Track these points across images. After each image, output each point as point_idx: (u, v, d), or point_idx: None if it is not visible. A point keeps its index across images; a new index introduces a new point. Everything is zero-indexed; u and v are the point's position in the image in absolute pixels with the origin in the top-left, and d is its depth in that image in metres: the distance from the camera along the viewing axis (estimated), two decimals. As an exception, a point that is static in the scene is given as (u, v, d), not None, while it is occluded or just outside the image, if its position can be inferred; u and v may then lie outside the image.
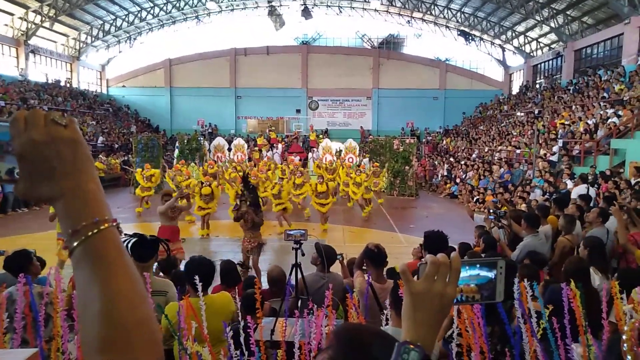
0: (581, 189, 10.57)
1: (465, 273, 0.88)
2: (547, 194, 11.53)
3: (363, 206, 14.04)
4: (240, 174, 14.15)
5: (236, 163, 18.13)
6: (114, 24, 30.56)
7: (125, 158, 23.02)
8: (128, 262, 0.73)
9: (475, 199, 14.94)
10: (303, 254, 4.06)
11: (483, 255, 5.17)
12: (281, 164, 19.75)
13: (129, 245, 3.33)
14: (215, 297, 3.32)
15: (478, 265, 0.90)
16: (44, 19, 25.54)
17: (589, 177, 11.72)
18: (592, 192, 10.43)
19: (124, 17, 30.25)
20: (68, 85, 29.58)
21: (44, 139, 0.72)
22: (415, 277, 0.88)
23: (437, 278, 0.84)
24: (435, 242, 3.79)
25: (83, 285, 0.70)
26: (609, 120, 14.67)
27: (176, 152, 21.59)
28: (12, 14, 24.71)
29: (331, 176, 14.73)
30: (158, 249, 3.60)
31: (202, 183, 12.09)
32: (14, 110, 21.50)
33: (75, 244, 0.71)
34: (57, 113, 0.76)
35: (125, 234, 3.43)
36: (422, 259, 0.89)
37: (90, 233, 0.71)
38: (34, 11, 25.06)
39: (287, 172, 14.38)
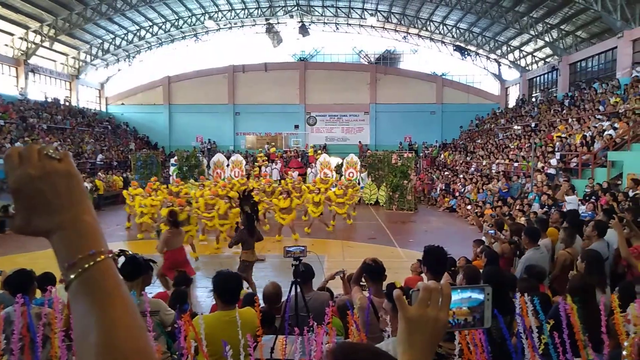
0: (573, 199, 10.62)
1: (457, 296, 0.91)
2: (546, 206, 11.54)
3: (326, 222, 14.05)
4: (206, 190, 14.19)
5: (211, 182, 18.02)
6: (113, 42, 30.86)
7: (124, 175, 23.03)
8: (125, 293, 0.73)
9: (474, 212, 14.95)
10: (302, 270, 4.04)
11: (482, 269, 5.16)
12: (279, 179, 19.79)
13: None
14: (243, 312, 3.31)
15: (469, 289, 0.93)
16: (43, 38, 25.79)
17: (587, 189, 11.77)
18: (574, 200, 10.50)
19: (123, 36, 30.56)
20: (67, 103, 29.74)
21: (38, 174, 0.73)
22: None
23: (430, 304, 0.88)
24: (434, 257, 3.77)
25: (81, 316, 0.70)
26: (605, 132, 14.77)
27: (172, 168, 21.59)
28: (12, 34, 24.96)
29: (297, 194, 14.58)
30: (146, 269, 3.57)
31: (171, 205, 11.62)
32: (13, 129, 21.57)
33: (72, 276, 0.71)
34: (51, 147, 0.77)
35: (120, 250, 3.42)
36: (415, 286, 0.91)
37: (86, 265, 0.71)
38: (34, 31, 25.32)
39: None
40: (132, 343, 0.69)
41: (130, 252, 3.57)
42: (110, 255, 0.74)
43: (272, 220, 14.10)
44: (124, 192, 15.20)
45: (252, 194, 8.37)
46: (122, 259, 3.54)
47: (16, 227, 0.75)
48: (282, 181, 18.07)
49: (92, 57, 31.43)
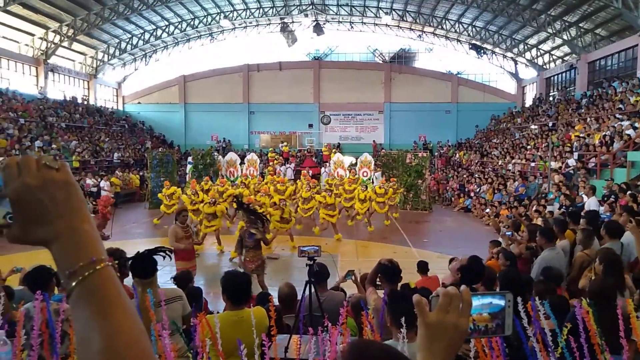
0: (593, 201, 10.42)
1: (477, 302, 0.90)
2: (564, 207, 11.36)
3: (369, 220, 14.06)
4: (240, 190, 14.28)
5: (242, 179, 18.18)
6: (131, 42, 31.24)
7: (141, 174, 23.30)
8: (126, 299, 0.74)
9: (493, 214, 14.77)
10: (316, 270, 4.04)
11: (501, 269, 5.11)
12: (293, 178, 19.82)
13: (129, 263, 3.32)
14: (253, 312, 3.32)
15: (490, 295, 0.92)
16: (62, 38, 26.22)
17: (605, 190, 11.55)
18: (594, 202, 10.30)
19: (140, 35, 30.92)
20: (85, 102, 30.20)
21: (37, 183, 0.73)
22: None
23: (450, 309, 0.87)
24: (475, 271, 3.80)
25: (83, 323, 0.71)
26: (625, 132, 14.47)
27: (189, 167, 21.77)
28: (32, 35, 25.43)
29: (338, 191, 14.63)
30: (157, 263, 3.55)
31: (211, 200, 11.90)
32: (33, 128, 21.98)
33: (73, 284, 0.72)
34: (49, 157, 0.78)
35: (121, 257, 3.41)
36: (434, 292, 0.91)
37: (87, 273, 0.72)
38: (53, 31, 25.75)
39: (301, 187, 14.40)
40: (134, 348, 0.70)
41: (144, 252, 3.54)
42: (110, 264, 0.75)
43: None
44: (160, 195, 15.36)
45: (241, 200, 8.24)
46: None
47: (13, 237, 0.75)
48: (327, 180, 17.88)
49: (110, 57, 31.85)
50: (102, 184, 18.86)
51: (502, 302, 0.91)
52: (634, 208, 7.97)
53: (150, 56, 34.32)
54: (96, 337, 0.69)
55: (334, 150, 26.37)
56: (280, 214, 11.58)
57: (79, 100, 29.54)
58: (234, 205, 9.69)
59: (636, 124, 14.52)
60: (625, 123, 15.21)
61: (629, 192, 9.85)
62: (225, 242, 11.59)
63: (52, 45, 26.32)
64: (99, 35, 29.15)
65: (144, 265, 3.39)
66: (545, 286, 3.79)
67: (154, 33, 31.08)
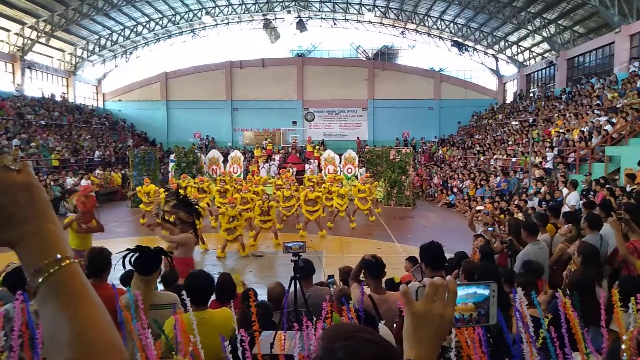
0: (574, 196, 10.62)
1: (462, 292, 0.92)
2: (544, 202, 11.57)
3: (350, 217, 14.12)
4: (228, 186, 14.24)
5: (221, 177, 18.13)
6: (110, 38, 30.71)
7: (123, 172, 22.97)
8: (93, 294, 0.75)
9: (473, 208, 14.95)
10: (302, 266, 4.05)
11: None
12: (277, 175, 19.78)
13: (131, 258, 3.28)
14: (215, 313, 3.29)
15: (474, 285, 0.94)
16: (40, 34, 25.64)
17: (584, 185, 11.78)
18: (575, 197, 10.50)
19: (119, 31, 30.42)
20: (64, 99, 29.59)
21: None
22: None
23: (436, 299, 0.89)
24: (432, 253, 3.82)
25: (50, 318, 0.71)
26: (603, 127, 14.78)
27: (171, 165, 21.55)
28: (8, 30, 24.81)
29: (320, 189, 14.63)
30: (161, 261, 3.53)
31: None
32: (10, 126, 21.48)
33: (39, 280, 0.72)
34: (9, 158, 0.76)
35: (128, 248, 3.39)
36: (421, 282, 0.93)
37: (52, 270, 0.72)
38: (30, 27, 25.16)
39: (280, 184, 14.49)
40: (103, 338, 0.71)
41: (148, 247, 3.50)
42: (75, 260, 0.75)
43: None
44: (138, 190, 15.39)
45: (187, 198, 7.86)
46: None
47: None
48: (306, 176, 17.85)
49: (89, 53, 31.28)
50: (83, 182, 18.54)
51: (486, 292, 0.93)
52: (612, 202, 8.16)
53: (130, 53, 33.81)
54: (65, 329, 0.69)
55: (317, 147, 26.35)
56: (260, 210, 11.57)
57: (58, 98, 28.94)
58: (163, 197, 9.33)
59: (613, 120, 14.83)
60: (603, 119, 15.53)
61: (606, 186, 10.07)
62: (210, 240, 11.54)
63: (29, 42, 25.72)
64: (78, 32, 28.59)
65: (147, 260, 3.34)
66: (526, 279, 3.86)
67: (134, 29, 30.61)
